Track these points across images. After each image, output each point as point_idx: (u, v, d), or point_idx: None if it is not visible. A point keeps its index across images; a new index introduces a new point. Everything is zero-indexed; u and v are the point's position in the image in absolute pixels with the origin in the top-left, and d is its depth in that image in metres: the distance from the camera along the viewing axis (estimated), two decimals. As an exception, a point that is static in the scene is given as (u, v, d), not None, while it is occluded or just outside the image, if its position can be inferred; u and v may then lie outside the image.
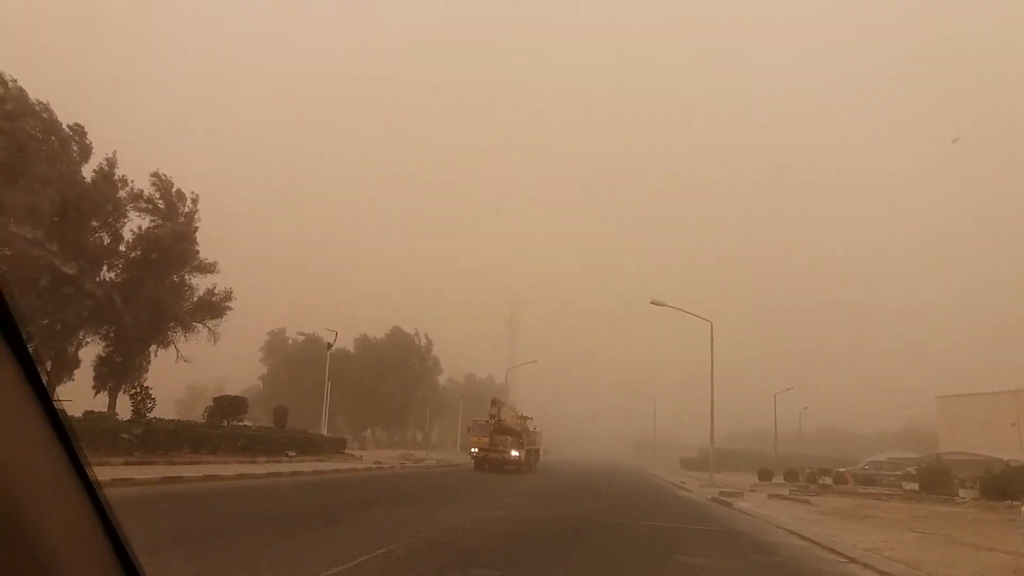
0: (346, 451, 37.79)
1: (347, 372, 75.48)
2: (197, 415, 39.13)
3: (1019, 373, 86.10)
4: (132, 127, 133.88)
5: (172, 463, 21.57)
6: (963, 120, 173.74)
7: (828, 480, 36.24)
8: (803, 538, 15.35)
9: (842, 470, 53.99)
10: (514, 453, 37.40)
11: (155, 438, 22.81)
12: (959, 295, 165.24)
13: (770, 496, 29.37)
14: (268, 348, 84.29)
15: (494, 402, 37.68)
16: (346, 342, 79.07)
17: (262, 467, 24.39)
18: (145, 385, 29.31)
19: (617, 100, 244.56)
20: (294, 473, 23.94)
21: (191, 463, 22.32)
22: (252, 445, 29.86)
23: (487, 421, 37.32)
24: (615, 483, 39.87)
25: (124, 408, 29.41)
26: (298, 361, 73.98)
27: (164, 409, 38.70)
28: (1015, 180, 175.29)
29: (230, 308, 35.04)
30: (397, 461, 39.07)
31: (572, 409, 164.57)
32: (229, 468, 22.00)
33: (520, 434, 38.89)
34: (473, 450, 39.09)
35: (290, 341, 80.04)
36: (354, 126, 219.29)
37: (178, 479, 17.70)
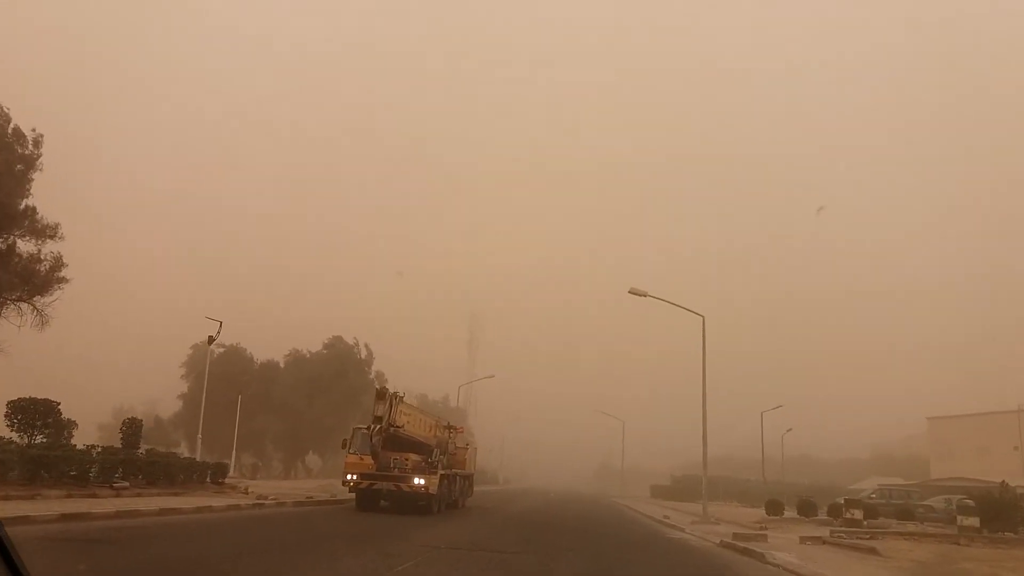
0: (226, 481, 28.01)
1: (275, 391, 65.92)
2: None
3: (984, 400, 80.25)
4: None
5: None
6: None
7: (857, 514, 27.85)
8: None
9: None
10: (418, 481, 23.68)
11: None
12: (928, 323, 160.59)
13: (804, 539, 20.83)
14: (190, 364, 73.82)
15: (383, 395, 23.87)
16: (279, 356, 69.48)
17: (44, 504, 15.34)
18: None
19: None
20: (77, 517, 14.73)
21: None
22: (88, 472, 20.81)
23: (370, 428, 23.64)
24: (583, 521, 31.06)
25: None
26: (216, 376, 63.94)
27: (87, 435, 30.36)
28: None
29: (63, 281, 25.78)
30: (303, 494, 29.36)
31: (534, 433, 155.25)
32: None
33: (431, 450, 25.60)
34: (349, 477, 24.31)
35: (215, 354, 70.17)
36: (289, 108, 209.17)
37: None
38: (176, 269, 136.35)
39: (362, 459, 24.14)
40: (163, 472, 24.20)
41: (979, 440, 71.75)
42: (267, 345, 72.49)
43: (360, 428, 25.18)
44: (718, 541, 21.17)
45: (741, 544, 19.34)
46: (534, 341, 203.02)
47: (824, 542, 20.51)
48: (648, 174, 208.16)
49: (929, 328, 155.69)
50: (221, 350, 64.80)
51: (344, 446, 25.46)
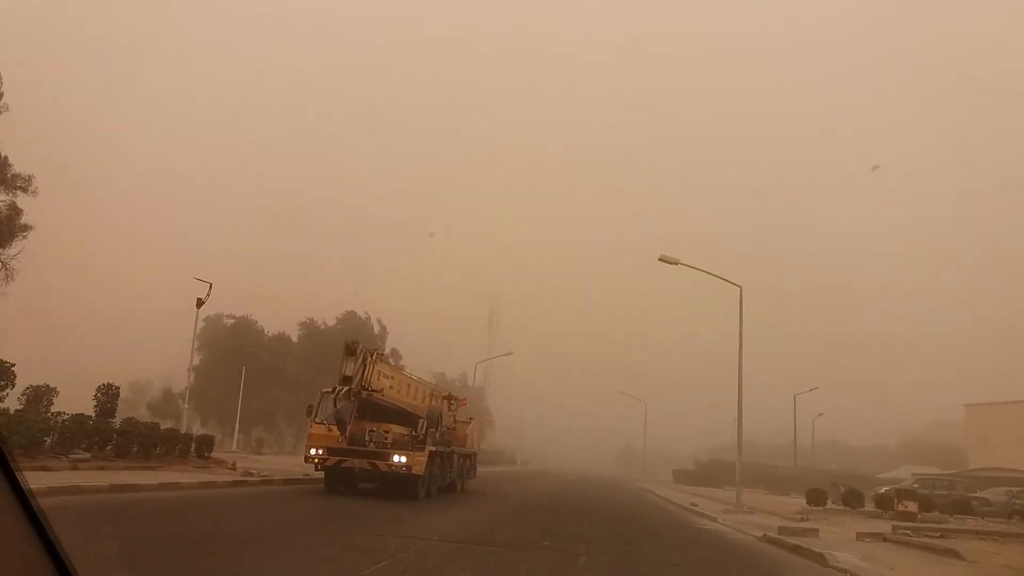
0: (212, 455, 25.53)
1: (287, 364, 63.69)
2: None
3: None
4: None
5: None
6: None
7: (911, 506, 24.80)
8: None
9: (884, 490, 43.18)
10: (398, 459, 19.14)
11: None
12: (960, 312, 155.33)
13: (862, 536, 17.88)
14: (203, 336, 71.77)
15: (352, 351, 18.96)
16: (291, 328, 67.12)
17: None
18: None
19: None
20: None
21: None
22: (64, 440, 18.57)
23: (335, 390, 18.94)
24: (605, 507, 28.37)
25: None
26: (225, 349, 61.94)
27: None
28: None
29: (27, 228, 23.30)
30: (301, 471, 26.51)
31: (554, 414, 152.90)
32: None
33: (420, 422, 20.79)
34: (313, 451, 19.73)
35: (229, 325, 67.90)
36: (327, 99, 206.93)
37: None
38: (198, 245, 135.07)
39: (330, 430, 19.12)
40: (139, 444, 21.79)
41: (1020, 429, 67.89)
42: (281, 319, 70.30)
43: (328, 392, 19.82)
44: (760, 535, 18.31)
45: (790, 540, 16.46)
46: (556, 322, 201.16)
47: (886, 539, 17.56)
48: (677, 154, 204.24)
49: (961, 314, 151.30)
50: (231, 322, 62.71)
51: (309, 413, 20.82)
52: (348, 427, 18.86)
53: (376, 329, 63.97)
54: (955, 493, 40.61)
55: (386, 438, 19.86)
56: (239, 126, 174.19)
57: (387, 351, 65.89)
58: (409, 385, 22.94)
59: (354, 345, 19.33)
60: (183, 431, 26.87)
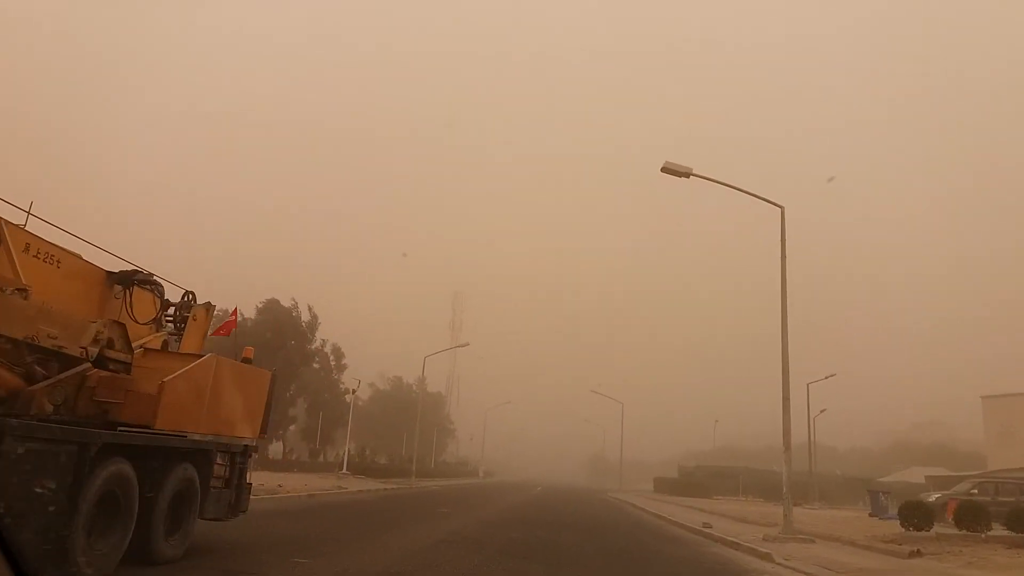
0: None
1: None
2: None
3: None
4: None
5: None
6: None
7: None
8: None
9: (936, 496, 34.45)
10: None
11: None
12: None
13: None
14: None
15: None
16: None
17: None
18: None
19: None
20: None
21: None
22: None
23: None
24: (580, 537, 18.55)
25: None
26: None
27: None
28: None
29: None
30: None
31: (523, 422, 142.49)
32: None
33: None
34: None
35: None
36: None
37: None
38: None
39: None
40: None
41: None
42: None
43: None
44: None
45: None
46: (526, 329, 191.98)
47: None
48: (652, 158, 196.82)
49: (935, 313, 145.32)
50: (124, 310, 51.72)
51: None
52: None
53: (305, 318, 53.37)
54: (1024, 499, 31.37)
55: None
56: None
57: (318, 343, 55.81)
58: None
59: None
60: None
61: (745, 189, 20.69)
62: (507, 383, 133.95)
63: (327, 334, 57.20)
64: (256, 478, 32.80)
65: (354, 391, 49.56)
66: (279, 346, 50.62)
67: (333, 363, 57.81)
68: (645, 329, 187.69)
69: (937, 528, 17.58)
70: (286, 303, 54.06)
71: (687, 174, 20.38)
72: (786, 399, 19.65)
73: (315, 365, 55.47)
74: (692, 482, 61.52)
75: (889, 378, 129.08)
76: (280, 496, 24.85)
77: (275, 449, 60.29)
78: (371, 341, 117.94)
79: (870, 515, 33.51)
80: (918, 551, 14.83)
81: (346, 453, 48.21)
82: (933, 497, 36.59)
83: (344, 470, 45.88)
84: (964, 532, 17.09)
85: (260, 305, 54.64)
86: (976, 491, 33.92)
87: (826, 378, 50.90)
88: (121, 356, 8.58)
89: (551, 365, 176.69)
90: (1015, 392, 64.15)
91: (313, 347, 54.29)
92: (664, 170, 20.46)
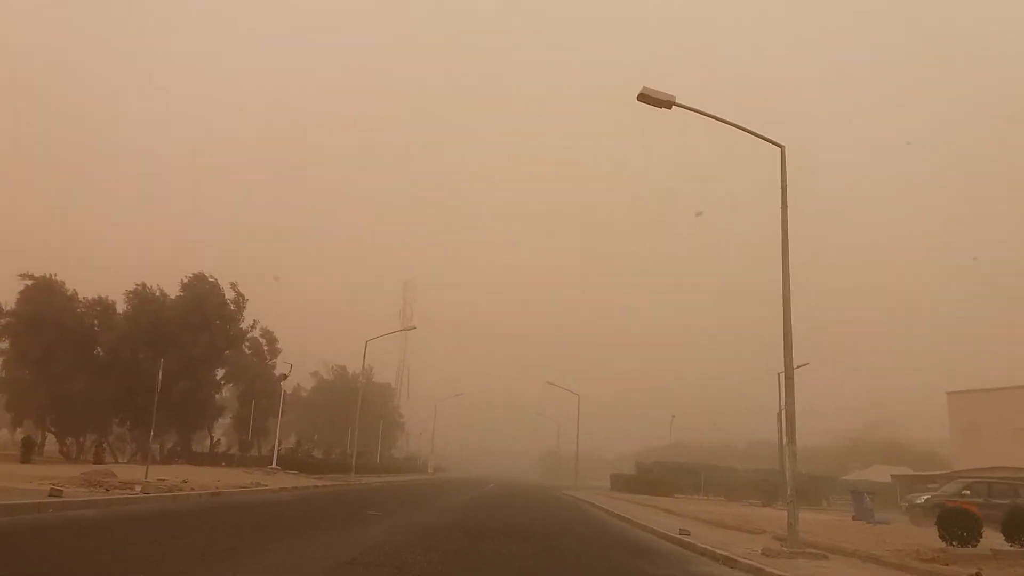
0: None
1: (107, 340, 47.48)
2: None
3: None
4: None
5: None
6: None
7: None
8: None
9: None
10: None
11: None
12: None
13: None
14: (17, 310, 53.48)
15: None
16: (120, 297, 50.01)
17: None
18: None
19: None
20: None
21: None
22: None
23: None
24: (547, 545, 14.60)
25: None
26: (22, 319, 45.58)
27: None
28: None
29: None
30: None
31: (476, 417, 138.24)
32: None
33: None
34: None
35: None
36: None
37: None
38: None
39: None
40: None
41: (1017, 420, 57.50)
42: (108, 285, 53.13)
43: None
44: None
45: None
46: (480, 322, 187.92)
47: None
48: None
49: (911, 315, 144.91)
50: (28, 283, 46.06)
51: None
52: None
53: (230, 295, 48.36)
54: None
55: None
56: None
57: (245, 324, 50.77)
58: None
59: None
60: None
61: (739, 124, 16.87)
62: (461, 378, 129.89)
63: (272, 324, 52.55)
64: (166, 473, 27.64)
65: (286, 376, 44.84)
66: (201, 326, 45.75)
67: (266, 348, 52.96)
68: (600, 324, 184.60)
69: (990, 543, 13.90)
70: (209, 277, 48.99)
71: (669, 104, 16.58)
72: (789, 378, 16.03)
73: (245, 349, 50.52)
74: (651, 479, 58.12)
75: (840, 377, 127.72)
76: (176, 494, 20.61)
77: (201, 440, 55.17)
78: (319, 331, 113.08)
79: (853, 518, 30.28)
80: (978, 574, 11.17)
81: (276, 446, 43.61)
82: (922, 499, 33.70)
83: (273, 464, 41.46)
84: (1015, 547, 13.48)
85: (185, 280, 49.53)
86: (968, 492, 31.08)
87: (798, 367, 47.42)
88: None
89: (506, 359, 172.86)
90: (981, 388, 62.25)
91: (242, 327, 49.34)
92: (641, 98, 16.59)
